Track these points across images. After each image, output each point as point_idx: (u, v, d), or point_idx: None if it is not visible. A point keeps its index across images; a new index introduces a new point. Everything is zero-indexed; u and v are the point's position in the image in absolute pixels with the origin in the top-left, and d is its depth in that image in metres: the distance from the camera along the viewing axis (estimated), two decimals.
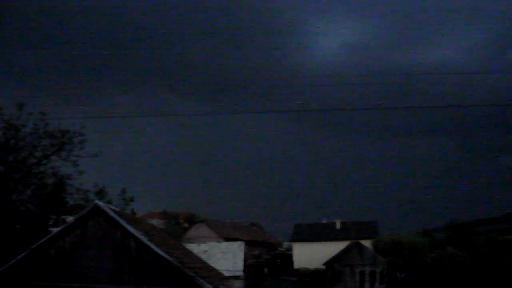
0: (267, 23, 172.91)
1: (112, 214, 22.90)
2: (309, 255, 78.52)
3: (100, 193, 40.43)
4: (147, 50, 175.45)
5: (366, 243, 73.80)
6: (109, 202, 37.79)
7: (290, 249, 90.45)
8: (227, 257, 53.37)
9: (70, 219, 29.94)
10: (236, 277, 49.90)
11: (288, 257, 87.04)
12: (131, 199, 45.53)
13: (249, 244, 71.50)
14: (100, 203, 23.82)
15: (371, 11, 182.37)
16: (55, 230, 26.36)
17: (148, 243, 22.31)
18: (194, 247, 50.12)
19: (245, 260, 57.40)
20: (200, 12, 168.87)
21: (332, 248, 74.08)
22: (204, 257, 41.40)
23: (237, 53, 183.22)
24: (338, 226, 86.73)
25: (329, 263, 71.93)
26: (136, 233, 22.45)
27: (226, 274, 36.70)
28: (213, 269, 30.96)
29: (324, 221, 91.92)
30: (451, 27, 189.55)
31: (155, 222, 71.01)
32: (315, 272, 74.63)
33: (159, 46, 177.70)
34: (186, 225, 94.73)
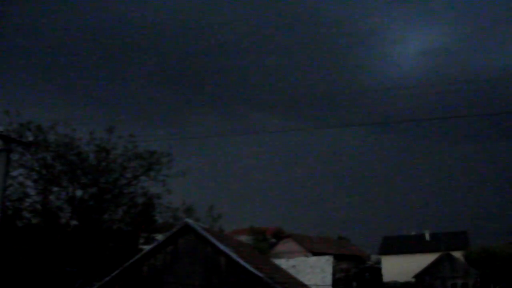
0: (345, 32, 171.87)
1: (201, 231, 23.26)
2: (399, 268, 77.39)
3: (188, 211, 41.06)
4: (231, 67, 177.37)
5: (457, 254, 72.24)
6: (197, 220, 38.36)
7: (378, 262, 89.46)
8: (315, 271, 53.13)
9: (160, 237, 30.60)
10: None
11: (377, 270, 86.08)
12: (219, 216, 45.97)
13: (337, 258, 71.02)
14: (190, 221, 24.26)
15: (450, 14, 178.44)
16: (146, 248, 27.01)
17: (238, 259, 22.51)
18: (282, 262, 50.14)
19: (334, 274, 57.01)
20: (280, 26, 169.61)
21: (422, 260, 72.92)
22: (292, 272, 41.36)
23: (315, 65, 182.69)
24: (427, 237, 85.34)
25: (419, 276, 70.78)
26: (226, 249, 22.72)
27: None
28: (302, 284, 30.93)
29: (413, 233, 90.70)
30: None
31: (243, 238, 71.50)
32: (405, 285, 73.51)
33: (243, 63, 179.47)
34: (273, 240, 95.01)
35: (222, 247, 22.73)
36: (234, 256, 22.62)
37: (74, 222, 37.30)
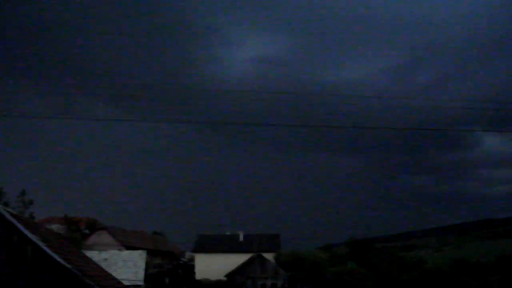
0: (181, 28, 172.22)
1: (8, 217, 21.83)
2: (211, 266, 78.27)
3: None
4: (58, 45, 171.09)
5: (269, 256, 74.38)
6: (6, 204, 36.31)
7: (192, 259, 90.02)
8: (128, 265, 52.42)
9: None
10: (137, 287, 49.10)
11: (190, 267, 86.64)
12: (30, 202, 44.05)
13: (151, 253, 70.49)
14: None
15: (287, 26, 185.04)
16: None
17: (46, 249, 21.42)
18: (94, 255, 48.83)
19: (147, 269, 56.53)
20: (116, 12, 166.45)
21: (235, 260, 74.26)
22: (104, 265, 40.40)
23: (150, 57, 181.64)
24: (241, 238, 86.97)
25: (231, 275, 71.98)
26: (34, 238, 21.52)
27: (126, 283, 35.95)
28: (113, 278, 30.19)
29: (228, 233, 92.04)
30: (365, 49, 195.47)
31: (55, 227, 69.12)
32: (217, 284, 74.43)
33: (72, 43, 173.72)
34: (87, 231, 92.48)
35: (29, 235, 21.48)
36: (42, 245, 21.47)
37: None
